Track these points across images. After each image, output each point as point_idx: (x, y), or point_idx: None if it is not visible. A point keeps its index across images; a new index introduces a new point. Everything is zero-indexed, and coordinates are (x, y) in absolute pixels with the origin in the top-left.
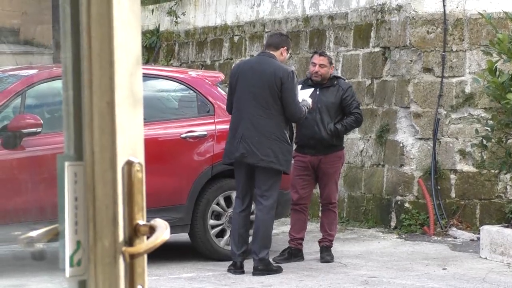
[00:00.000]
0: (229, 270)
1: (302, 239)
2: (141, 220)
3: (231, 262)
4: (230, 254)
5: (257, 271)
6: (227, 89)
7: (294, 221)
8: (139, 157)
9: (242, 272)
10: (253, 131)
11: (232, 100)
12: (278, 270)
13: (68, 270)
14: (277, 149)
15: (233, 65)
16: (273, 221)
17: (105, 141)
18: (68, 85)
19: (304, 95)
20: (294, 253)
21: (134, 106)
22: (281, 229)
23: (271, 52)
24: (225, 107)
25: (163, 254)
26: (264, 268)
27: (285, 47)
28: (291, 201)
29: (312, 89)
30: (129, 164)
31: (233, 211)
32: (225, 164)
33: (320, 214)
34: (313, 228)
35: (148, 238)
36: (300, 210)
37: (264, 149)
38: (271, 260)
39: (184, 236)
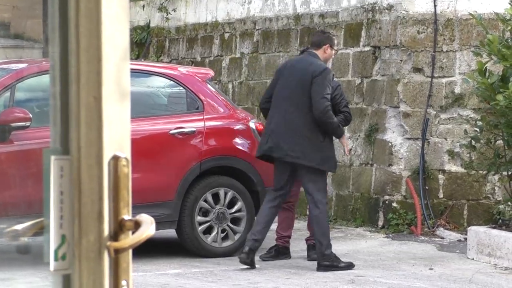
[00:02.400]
0: (240, 258)
1: (289, 237)
2: (126, 215)
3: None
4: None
5: (321, 267)
6: (216, 86)
7: (281, 219)
8: (125, 152)
9: (250, 264)
10: (283, 126)
11: (269, 95)
12: (348, 266)
13: (52, 264)
14: (305, 146)
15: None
16: (324, 216)
17: (92, 136)
18: (55, 79)
19: None
20: (281, 251)
21: (122, 101)
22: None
23: (314, 50)
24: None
25: (150, 250)
26: (330, 264)
27: (328, 45)
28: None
29: None
30: (116, 159)
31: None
32: (257, 157)
33: (307, 212)
34: (300, 226)
35: (133, 233)
36: (287, 208)
37: (291, 145)
38: (258, 257)
39: (171, 232)
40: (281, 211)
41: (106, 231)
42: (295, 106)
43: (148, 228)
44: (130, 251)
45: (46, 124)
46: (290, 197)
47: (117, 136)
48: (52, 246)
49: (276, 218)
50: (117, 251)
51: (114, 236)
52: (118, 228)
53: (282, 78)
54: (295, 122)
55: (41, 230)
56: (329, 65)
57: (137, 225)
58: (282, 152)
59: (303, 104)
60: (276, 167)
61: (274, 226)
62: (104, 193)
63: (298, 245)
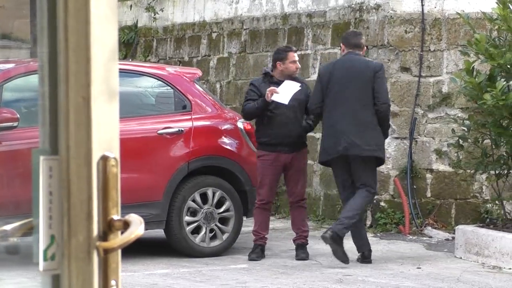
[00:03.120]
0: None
1: (267, 237)
2: (115, 215)
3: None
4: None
5: (329, 239)
6: (204, 85)
7: (262, 219)
8: (114, 152)
9: (343, 260)
10: (354, 124)
11: (320, 100)
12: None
13: (42, 264)
14: (378, 138)
15: (320, 67)
16: (363, 203)
17: (81, 136)
18: (44, 79)
19: (291, 87)
20: (263, 251)
21: (110, 101)
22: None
23: (357, 51)
24: (309, 105)
25: (138, 250)
26: (334, 242)
27: (365, 47)
28: (261, 200)
29: (296, 84)
30: (104, 159)
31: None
32: (322, 162)
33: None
34: (288, 226)
35: (122, 233)
36: (268, 209)
37: (366, 140)
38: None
39: (159, 232)
40: (262, 212)
41: (95, 231)
42: (359, 103)
43: (137, 228)
44: (119, 251)
45: (33, 124)
46: (272, 198)
47: (106, 136)
48: (41, 246)
49: (255, 218)
50: (106, 251)
51: (103, 236)
52: (107, 228)
53: (334, 80)
54: (365, 118)
55: (30, 230)
56: (317, 65)
57: (126, 225)
58: (359, 148)
59: (368, 99)
60: (339, 168)
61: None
62: (93, 193)
63: (286, 245)
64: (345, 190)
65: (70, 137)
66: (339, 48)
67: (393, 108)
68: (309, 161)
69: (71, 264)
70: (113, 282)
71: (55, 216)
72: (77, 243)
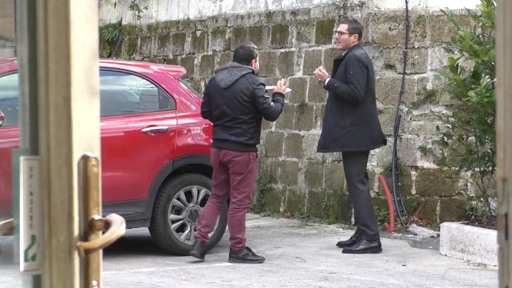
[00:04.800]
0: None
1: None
2: (96, 215)
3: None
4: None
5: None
6: (189, 83)
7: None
8: (95, 152)
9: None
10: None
11: (369, 88)
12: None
13: (22, 264)
14: None
15: (366, 57)
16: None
17: (61, 136)
18: (24, 79)
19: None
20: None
21: (91, 101)
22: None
23: None
24: (358, 96)
25: (123, 249)
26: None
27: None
28: (250, 203)
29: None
30: (85, 159)
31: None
32: (369, 149)
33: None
34: (273, 224)
35: (103, 233)
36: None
37: None
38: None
39: (144, 231)
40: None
41: (76, 231)
42: None
43: (118, 228)
44: (101, 251)
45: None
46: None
47: (87, 136)
48: (22, 246)
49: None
50: (88, 251)
51: (84, 236)
52: (88, 228)
53: (372, 74)
54: None
55: (11, 230)
56: (302, 62)
57: (107, 225)
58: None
59: None
60: (365, 159)
61: (258, 223)
62: (74, 193)
63: (271, 243)
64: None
65: (51, 137)
66: (323, 45)
67: (378, 105)
68: (294, 159)
69: (52, 264)
70: (94, 282)
71: (36, 216)
72: (58, 243)
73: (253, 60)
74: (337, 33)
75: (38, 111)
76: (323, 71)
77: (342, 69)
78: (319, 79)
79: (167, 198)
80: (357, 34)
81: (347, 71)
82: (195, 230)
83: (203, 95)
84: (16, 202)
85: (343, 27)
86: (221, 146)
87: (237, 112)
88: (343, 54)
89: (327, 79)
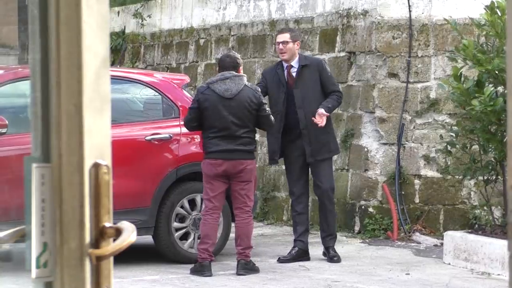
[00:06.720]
0: None
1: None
2: (107, 223)
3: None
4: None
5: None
6: (192, 92)
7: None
8: (106, 160)
9: None
10: None
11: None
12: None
13: (34, 271)
14: None
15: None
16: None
17: (73, 144)
18: (36, 87)
19: None
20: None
21: (102, 108)
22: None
23: None
24: (342, 96)
25: (127, 257)
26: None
27: None
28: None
29: None
30: (96, 166)
31: None
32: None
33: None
34: (277, 232)
35: (114, 240)
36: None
37: None
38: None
39: (148, 239)
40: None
41: (87, 238)
42: None
43: (129, 235)
44: (112, 258)
45: (22, 131)
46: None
47: (98, 143)
48: (34, 253)
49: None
50: (99, 259)
51: (96, 244)
52: (99, 236)
53: None
54: None
55: (22, 237)
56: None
57: (118, 232)
58: None
59: None
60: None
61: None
62: (85, 200)
63: (274, 251)
64: None
65: (62, 145)
66: (327, 53)
67: (381, 114)
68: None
69: (63, 271)
70: None
71: (48, 223)
72: (69, 250)
73: (240, 67)
74: (280, 44)
75: (50, 119)
76: (319, 114)
77: (311, 75)
78: (321, 121)
79: (171, 206)
80: (299, 41)
81: (325, 77)
82: (200, 250)
83: (189, 109)
84: (28, 209)
85: (285, 36)
86: (228, 157)
87: (245, 121)
88: (292, 63)
89: (322, 109)
